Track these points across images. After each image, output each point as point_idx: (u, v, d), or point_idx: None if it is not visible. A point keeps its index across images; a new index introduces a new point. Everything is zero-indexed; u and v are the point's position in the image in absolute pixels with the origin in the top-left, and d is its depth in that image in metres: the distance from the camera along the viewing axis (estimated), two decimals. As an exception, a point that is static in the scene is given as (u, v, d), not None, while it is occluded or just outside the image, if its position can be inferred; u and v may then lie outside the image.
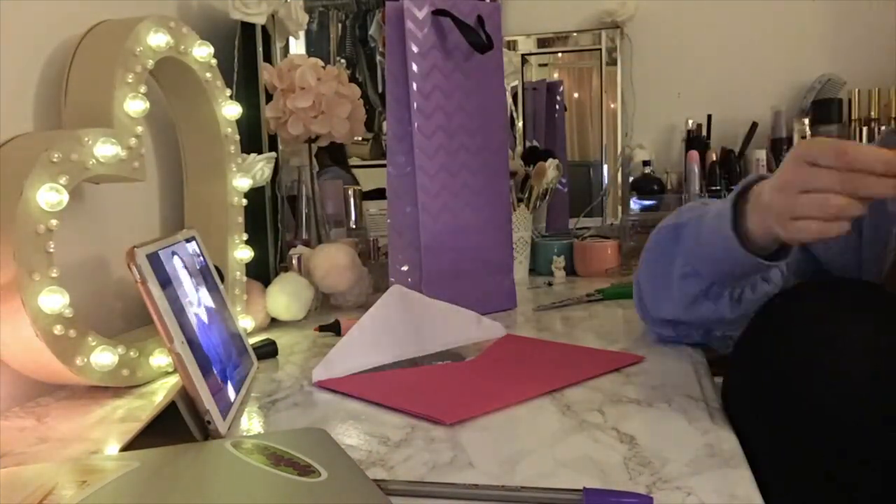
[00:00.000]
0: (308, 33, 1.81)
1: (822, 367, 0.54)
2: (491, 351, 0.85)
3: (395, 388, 0.72)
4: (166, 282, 0.61)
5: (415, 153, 1.00)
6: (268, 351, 0.89)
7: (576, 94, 1.86)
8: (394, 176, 1.04)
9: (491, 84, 1.08)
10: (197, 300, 0.69)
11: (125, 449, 0.56)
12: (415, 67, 0.99)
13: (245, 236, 1.00)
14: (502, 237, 1.12)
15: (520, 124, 1.80)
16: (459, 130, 1.04)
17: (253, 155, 1.04)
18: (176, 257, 0.67)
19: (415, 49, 0.99)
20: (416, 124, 1.00)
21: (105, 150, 0.74)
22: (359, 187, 1.51)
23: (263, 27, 1.15)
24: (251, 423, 0.66)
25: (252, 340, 0.89)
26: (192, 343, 0.61)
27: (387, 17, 1.00)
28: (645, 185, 1.70)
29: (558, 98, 1.84)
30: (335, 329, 0.98)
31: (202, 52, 0.92)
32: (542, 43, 1.83)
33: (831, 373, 0.54)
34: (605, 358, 0.80)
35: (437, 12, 1.00)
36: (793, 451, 0.56)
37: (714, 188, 1.62)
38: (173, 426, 0.57)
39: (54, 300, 0.67)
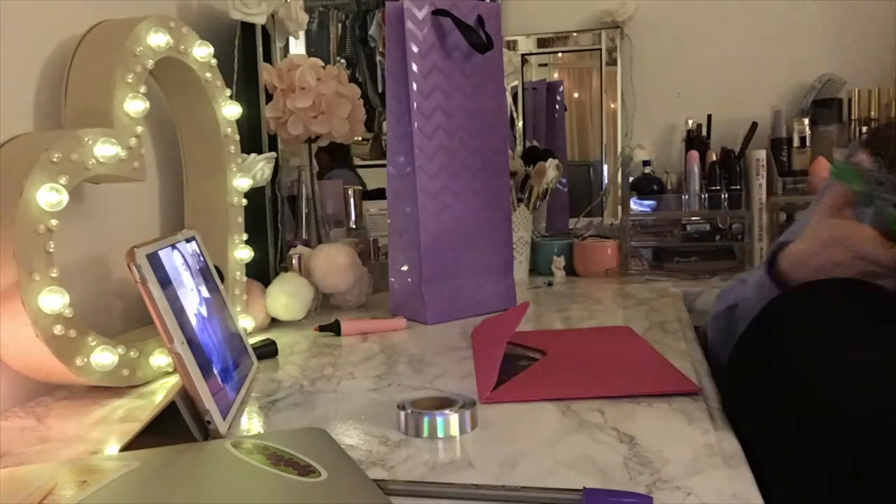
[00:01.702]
0: (308, 33, 1.81)
1: (826, 368, 0.55)
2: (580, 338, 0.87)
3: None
4: (166, 282, 0.61)
5: (415, 153, 1.00)
6: (268, 351, 0.89)
7: (576, 94, 1.86)
8: (394, 176, 1.04)
9: (491, 84, 1.08)
10: (197, 300, 0.69)
11: (125, 449, 0.56)
12: (415, 67, 0.99)
13: (245, 236, 1.00)
14: (502, 237, 1.12)
15: (520, 124, 1.80)
16: (459, 130, 1.04)
17: (253, 155, 1.04)
18: (176, 257, 0.67)
19: (415, 49, 0.99)
20: (415, 124, 1.00)
21: (105, 150, 0.74)
22: (359, 187, 1.50)
23: (263, 27, 1.15)
24: (251, 423, 0.66)
25: (252, 340, 0.89)
26: (192, 343, 0.61)
27: (387, 17, 1.00)
28: (645, 185, 1.70)
29: (558, 98, 1.84)
30: (335, 329, 0.98)
31: (202, 52, 0.92)
32: (542, 43, 1.83)
33: (834, 373, 0.54)
34: (666, 377, 0.73)
35: (437, 12, 1.00)
36: (794, 451, 0.56)
37: (714, 188, 1.62)
38: (173, 426, 0.57)
39: (54, 300, 0.67)
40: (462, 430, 0.59)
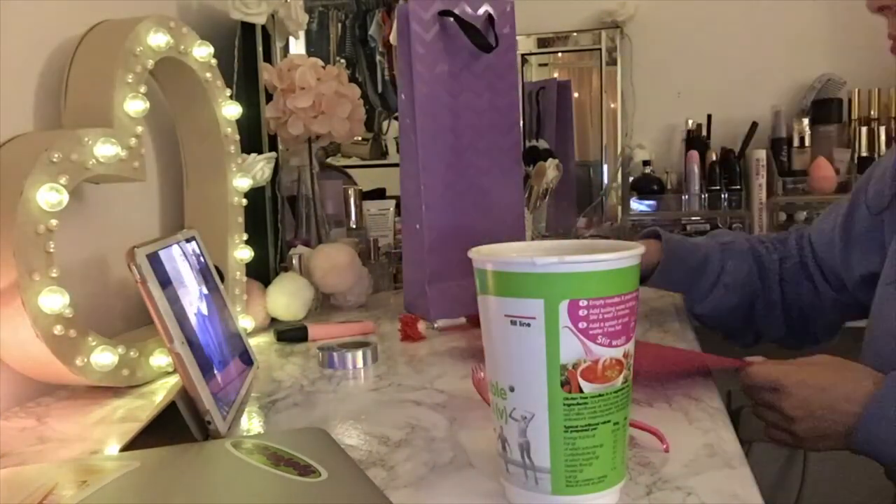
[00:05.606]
0: (308, 33, 1.81)
1: None
2: None
3: None
4: (166, 282, 0.61)
5: (420, 153, 1.00)
6: (298, 335, 0.94)
7: (576, 94, 1.86)
8: (404, 174, 1.03)
9: (503, 83, 1.07)
10: (197, 300, 0.69)
11: (125, 449, 0.56)
12: (420, 68, 0.99)
13: (245, 236, 1.00)
14: (513, 237, 1.11)
15: (520, 124, 1.80)
16: (468, 130, 1.03)
17: (253, 155, 1.04)
18: (176, 257, 0.67)
19: (420, 50, 0.99)
20: (421, 124, 0.99)
21: (105, 149, 0.74)
22: (358, 187, 1.50)
23: (263, 27, 1.15)
24: (251, 423, 0.66)
25: (283, 328, 0.96)
26: (192, 343, 0.61)
27: (396, 19, 1.00)
28: (645, 185, 1.70)
29: (556, 98, 1.85)
30: (301, 336, 0.96)
31: (202, 52, 0.91)
32: (542, 43, 1.83)
33: None
34: (711, 359, 0.76)
35: (443, 13, 1.00)
36: None
37: (714, 188, 1.62)
38: (173, 426, 0.57)
39: (54, 300, 0.67)
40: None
